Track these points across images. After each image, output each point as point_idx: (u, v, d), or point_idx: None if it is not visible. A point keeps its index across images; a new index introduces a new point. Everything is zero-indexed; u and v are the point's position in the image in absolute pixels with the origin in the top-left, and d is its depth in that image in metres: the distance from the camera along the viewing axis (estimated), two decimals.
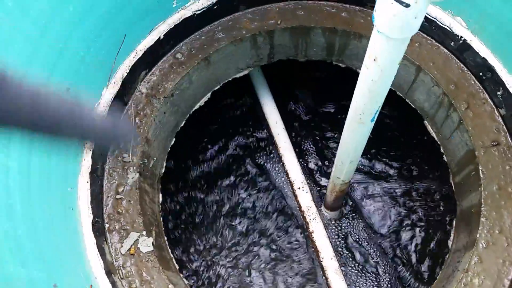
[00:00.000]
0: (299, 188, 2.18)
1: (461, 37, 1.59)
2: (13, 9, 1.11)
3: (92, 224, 1.33)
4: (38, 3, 1.17)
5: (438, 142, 1.79)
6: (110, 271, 1.31)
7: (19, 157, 1.08)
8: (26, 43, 1.17)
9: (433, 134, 1.81)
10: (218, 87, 1.97)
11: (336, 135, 2.47)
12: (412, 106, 1.86)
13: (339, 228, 2.29)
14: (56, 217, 1.16)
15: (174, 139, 1.87)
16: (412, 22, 0.87)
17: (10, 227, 0.92)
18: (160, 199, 1.72)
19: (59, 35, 1.27)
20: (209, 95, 1.95)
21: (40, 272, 0.96)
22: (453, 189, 1.72)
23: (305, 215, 2.12)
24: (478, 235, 1.40)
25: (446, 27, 1.61)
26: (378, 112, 1.22)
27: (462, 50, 1.61)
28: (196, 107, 1.93)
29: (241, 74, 2.00)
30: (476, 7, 1.47)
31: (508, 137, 1.53)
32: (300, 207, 2.16)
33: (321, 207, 2.26)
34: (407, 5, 0.82)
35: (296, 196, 2.19)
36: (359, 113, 1.22)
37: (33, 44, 1.20)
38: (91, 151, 1.44)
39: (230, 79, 1.98)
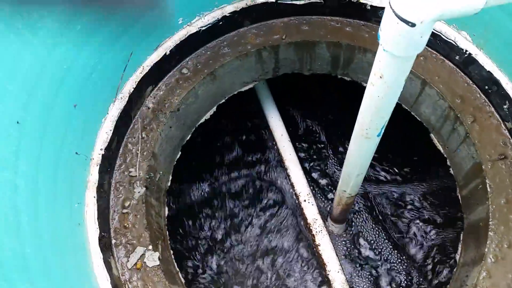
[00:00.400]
0: (304, 201, 2.18)
1: (466, 51, 1.59)
2: (23, 30, 1.13)
3: (99, 239, 1.34)
4: (47, 23, 1.19)
5: (445, 155, 1.79)
6: (116, 286, 1.31)
7: (26, 173, 1.09)
8: (35, 60, 1.19)
9: (440, 147, 1.81)
10: (224, 100, 1.98)
11: (341, 148, 2.47)
12: (418, 119, 1.86)
13: (346, 241, 2.28)
14: (63, 233, 1.17)
15: (180, 153, 1.88)
16: (418, 41, 0.87)
17: (18, 245, 0.92)
18: (166, 212, 1.73)
19: (67, 52, 1.28)
20: (214, 108, 1.97)
21: None
22: (460, 202, 1.71)
23: (311, 227, 2.11)
24: (486, 250, 1.39)
25: (451, 41, 1.61)
26: (384, 127, 1.22)
27: (467, 63, 1.62)
28: (202, 120, 1.94)
29: (246, 88, 2.01)
30: (480, 22, 1.48)
31: None
32: (306, 219, 2.16)
33: (327, 220, 2.25)
34: (413, 25, 0.83)
35: (302, 209, 2.18)
36: (365, 128, 1.22)
37: (42, 61, 1.22)
38: (98, 166, 1.45)
39: (235, 93, 2.00)
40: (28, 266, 0.93)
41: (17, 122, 1.10)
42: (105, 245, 1.38)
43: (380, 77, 1.01)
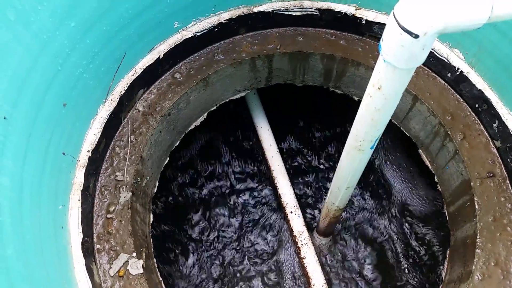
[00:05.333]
0: (291, 212, 2.16)
1: (458, 68, 1.62)
2: (15, 23, 1.09)
3: (82, 244, 1.28)
4: (41, 18, 1.15)
5: (433, 172, 1.80)
6: None
7: (12, 171, 1.05)
8: (26, 55, 1.15)
9: (428, 163, 1.82)
10: (215, 107, 1.96)
11: (329, 160, 2.47)
12: (407, 134, 1.87)
13: (331, 254, 2.26)
14: (46, 236, 1.11)
15: (168, 158, 1.84)
16: (419, 53, 0.87)
17: None
18: (151, 219, 1.68)
19: (60, 50, 1.25)
20: (205, 115, 1.94)
21: None
22: (447, 219, 1.72)
23: (297, 240, 2.09)
24: (473, 267, 1.39)
25: (443, 58, 1.64)
26: (378, 140, 1.22)
27: (459, 81, 1.64)
28: (192, 126, 1.92)
29: (238, 96, 2.00)
30: (473, 41, 1.50)
31: (503, 169, 1.54)
32: (292, 231, 2.13)
33: (313, 232, 2.24)
34: (416, 36, 0.83)
35: (288, 221, 2.16)
36: (359, 140, 1.22)
37: (33, 57, 1.18)
38: (84, 168, 1.41)
39: (226, 100, 1.98)
40: (8, 267, 0.87)
41: (4, 118, 1.06)
42: (88, 251, 1.32)
43: (379, 88, 1.00)
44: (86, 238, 1.33)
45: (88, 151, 1.43)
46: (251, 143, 2.45)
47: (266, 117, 2.31)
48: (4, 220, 0.92)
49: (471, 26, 0.84)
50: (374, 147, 1.26)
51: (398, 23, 0.84)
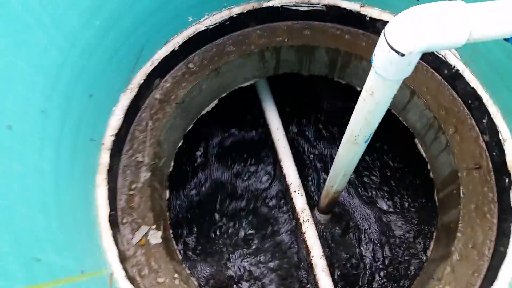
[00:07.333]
0: (295, 191, 2.33)
1: (454, 66, 1.73)
2: (50, 25, 1.23)
3: (108, 216, 1.47)
4: (71, 20, 1.29)
5: (426, 160, 1.94)
6: (123, 259, 1.46)
7: (50, 158, 1.22)
8: (58, 53, 1.30)
9: (422, 152, 1.96)
10: (225, 94, 2.10)
11: (331, 145, 2.61)
12: (405, 124, 2.01)
13: (330, 229, 2.45)
14: (79, 211, 1.30)
15: (182, 141, 2.01)
16: (405, 68, 1.01)
17: (46, 221, 1.06)
18: (167, 195, 1.87)
19: (86, 46, 1.39)
20: (216, 101, 2.09)
21: (71, 260, 1.10)
22: (436, 204, 1.88)
23: (299, 216, 2.27)
24: (453, 248, 1.56)
25: (441, 56, 1.75)
26: (371, 135, 1.36)
27: (454, 78, 1.76)
28: (204, 112, 2.07)
29: (247, 84, 2.13)
30: (469, 43, 1.61)
31: (489, 162, 1.67)
32: (294, 209, 2.31)
33: (314, 210, 2.41)
34: (402, 55, 0.96)
35: (292, 199, 2.34)
36: (355, 135, 1.36)
37: (64, 54, 1.32)
38: (108, 150, 1.58)
39: (236, 88, 2.12)
40: (55, 239, 1.06)
41: (42, 111, 1.22)
42: (113, 223, 1.51)
43: (371, 94, 1.14)
44: (112, 212, 1.51)
45: (111, 135, 1.60)
46: (259, 128, 2.60)
47: (274, 103, 2.45)
48: (49, 200, 1.10)
49: (452, 47, 0.96)
50: (368, 141, 1.40)
51: (387, 42, 0.97)
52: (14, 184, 1.04)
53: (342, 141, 1.46)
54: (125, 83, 1.66)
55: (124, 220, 1.57)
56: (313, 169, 2.59)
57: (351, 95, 1.99)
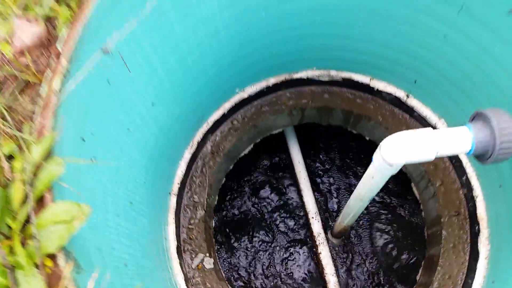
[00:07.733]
0: (312, 218, 2.84)
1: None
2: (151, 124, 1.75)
3: (176, 248, 2.01)
4: (160, 119, 1.80)
5: (420, 201, 2.43)
6: (186, 280, 2.00)
7: (138, 202, 1.75)
8: (153, 140, 1.81)
9: (417, 195, 2.44)
10: (259, 140, 2.61)
11: (343, 175, 3.09)
12: (404, 171, 2.49)
13: (342, 251, 2.94)
14: (157, 243, 1.84)
15: (224, 179, 2.53)
16: (393, 170, 1.50)
17: (141, 252, 1.59)
18: (213, 225, 2.40)
19: (163, 125, 1.90)
20: (252, 146, 2.60)
21: (150, 282, 1.64)
22: (425, 238, 2.37)
23: (315, 239, 2.78)
24: (434, 278, 2.05)
25: (423, 117, 2.22)
26: (374, 196, 1.85)
27: None
28: (242, 155, 2.58)
29: (277, 131, 2.63)
30: (439, 103, 2.07)
31: (466, 210, 2.15)
32: (312, 233, 2.82)
33: (328, 233, 2.91)
34: (390, 165, 1.45)
35: (310, 224, 2.85)
36: (361, 195, 1.86)
37: (155, 139, 1.84)
38: (175, 196, 2.11)
39: (268, 135, 2.62)
40: (138, 262, 1.59)
41: (130, 167, 1.74)
42: (178, 251, 2.05)
43: (372, 177, 1.63)
44: (178, 243, 2.05)
45: (178, 184, 2.13)
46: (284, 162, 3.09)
47: (298, 142, 2.94)
48: (140, 238, 1.63)
49: (424, 161, 1.45)
50: (371, 199, 1.90)
51: (382, 155, 1.46)
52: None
53: (352, 196, 1.96)
54: (188, 142, 2.18)
55: (185, 248, 2.10)
56: (328, 196, 3.08)
57: (361, 141, 2.48)
